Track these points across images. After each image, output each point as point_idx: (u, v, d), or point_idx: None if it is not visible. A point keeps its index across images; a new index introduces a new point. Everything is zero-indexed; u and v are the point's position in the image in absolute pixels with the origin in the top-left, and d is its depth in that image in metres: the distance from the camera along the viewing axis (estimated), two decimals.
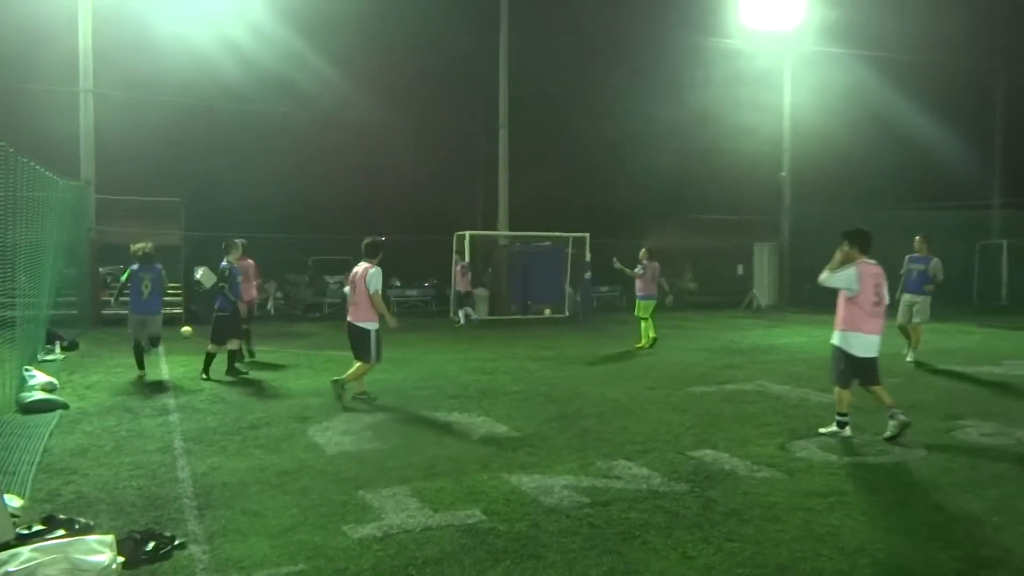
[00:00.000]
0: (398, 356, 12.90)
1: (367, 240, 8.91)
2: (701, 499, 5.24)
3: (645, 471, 5.89)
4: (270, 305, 22.76)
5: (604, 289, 26.29)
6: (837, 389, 7.11)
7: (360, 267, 8.75)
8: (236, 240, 11.19)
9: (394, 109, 27.38)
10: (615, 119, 30.01)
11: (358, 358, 8.75)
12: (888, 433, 6.82)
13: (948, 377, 10.36)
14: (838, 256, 7.10)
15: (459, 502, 5.17)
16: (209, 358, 10.46)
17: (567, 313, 21.69)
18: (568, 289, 22.11)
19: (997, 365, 11.45)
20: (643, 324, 13.95)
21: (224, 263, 10.71)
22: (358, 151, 28.82)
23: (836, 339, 7.10)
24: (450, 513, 4.95)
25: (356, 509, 5.05)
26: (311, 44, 24.94)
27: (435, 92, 28.80)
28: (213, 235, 14.63)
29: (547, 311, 21.74)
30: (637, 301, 14.01)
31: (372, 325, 8.62)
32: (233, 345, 10.71)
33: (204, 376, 10.25)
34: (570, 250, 21.99)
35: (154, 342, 10.90)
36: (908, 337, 11.85)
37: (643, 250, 14.14)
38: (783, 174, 25.93)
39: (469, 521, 4.81)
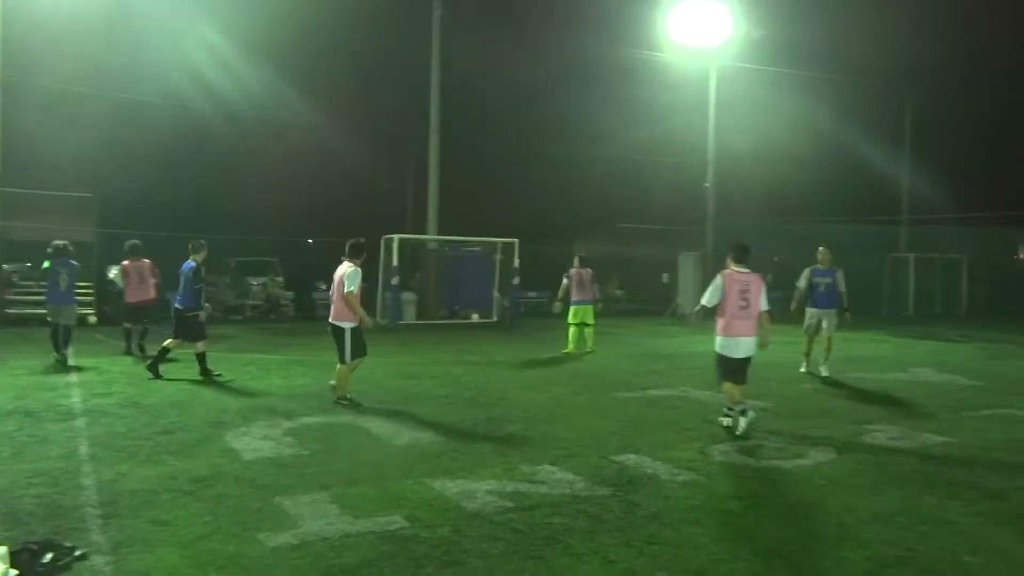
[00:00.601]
0: (322, 360, 12.63)
1: (351, 241, 8.95)
2: (623, 503, 5.28)
3: (569, 476, 5.90)
4: None
5: (532, 295, 26.43)
6: (726, 386, 7.67)
7: (340, 267, 8.75)
8: (201, 240, 11.03)
9: (324, 110, 26.96)
10: (546, 128, 30.29)
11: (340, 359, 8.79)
12: (740, 428, 7.38)
13: (858, 384, 10.78)
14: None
15: (380, 508, 5.07)
16: (201, 359, 10.48)
17: (495, 318, 21.69)
18: (496, 294, 22.13)
19: (903, 372, 11.99)
20: (572, 329, 14.06)
21: (191, 263, 10.57)
22: (285, 151, 28.26)
23: (716, 344, 7.79)
24: (371, 520, 4.85)
25: (273, 516, 4.89)
26: (238, 42, 24.30)
27: (367, 95, 28.49)
28: (128, 233, 14.06)
29: (475, 316, 21.70)
30: (571, 307, 14.14)
31: (348, 324, 8.61)
32: (173, 345, 10.62)
33: (208, 375, 10.36)
34: (499, 256, 22.02)
35: (66, 335, 11.58)
36: (809, 354, 11.67)
37: (576, 257, 14.30)
38: (707, 185, 26.59)
39: (390, 528, 4.72)
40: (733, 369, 7.65)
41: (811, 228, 26.86)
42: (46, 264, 11.93)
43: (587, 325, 14.07)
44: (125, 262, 12.80)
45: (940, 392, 10.16)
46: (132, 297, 12.73)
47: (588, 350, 13.94)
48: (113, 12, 20.72)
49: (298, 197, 28.92)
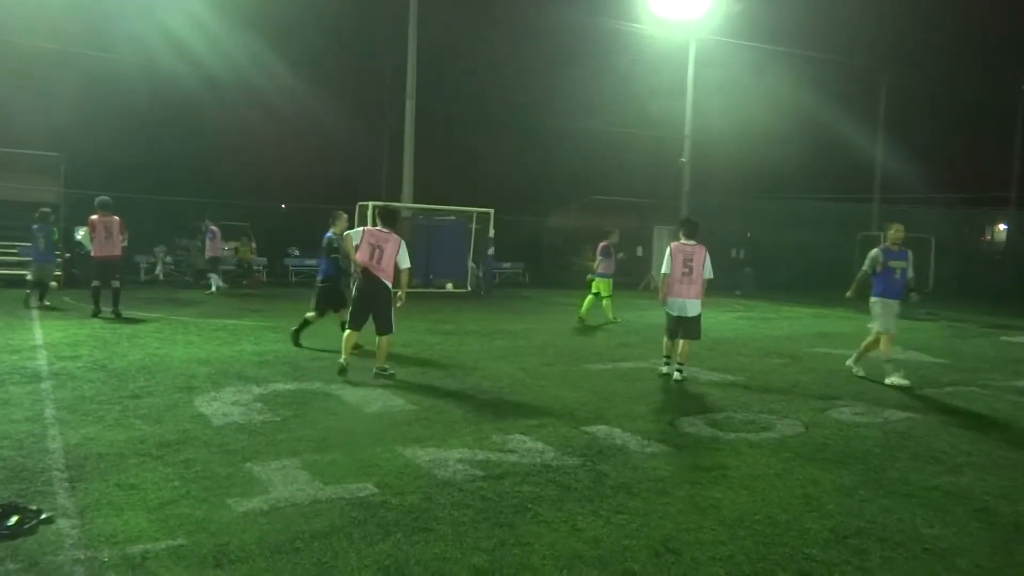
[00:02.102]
0: (294, 326, 12.55)
1: (384, 208, 8.80)
2: (593, 473, 5.33)
3: (539, 445, 5.95)
4: (159, 270, 21.71)
5: (507, 265, 26.45)
6: (664, 340, 9.24)
7: (381, 233, 8.37)
8: (340, 211, 10.85)
9: (299, 75, 26.51)
10: (522, 99, 30.08)
11: (379, 324, 8.37)
12: (677, 376, 8.85)
13: (826, 360, 10.95)
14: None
15: (351, 475, 5.07)
16: (304, 324, 10.29)
17: (469, 288, 21.68)
18: (471, 264, 22.09)
19: None
20: (604, 301, 14.62)
21: (330, 234, 10.28)
22: (259, 116, 27.79)
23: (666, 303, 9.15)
24: (341, 486, 4.85)
25: (242, 482, 4.87)
26: (213, 4, 23.71)
27: (342, 60, 28.04)
28: (96, 193, 13.81)
29: (449, 285, 21.68)
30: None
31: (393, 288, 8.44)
32: (344, 316, 10.20)
33: (296, 344, 10.20)
34: (474, 225, 21.95)
35: (43, 289, 13.61)
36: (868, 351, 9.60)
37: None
38: (683, 160, 26.63)
39: (360, 494, 4.73)
40: (673, 325, 9.06)
41: (784, 205, 27.13)
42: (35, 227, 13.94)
43: (590, 294, 14.64)
44: (93, 216, 12.69)
45: (905, 369, 10.33)
46: (99, 251, 12.68)
47: (579, 316, 14.46)
48: None
49: (272, 162, 28.53)
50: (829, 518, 4.63)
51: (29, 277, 14.05)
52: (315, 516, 4.35)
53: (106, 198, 12.91)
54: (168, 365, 8.71)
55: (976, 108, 30.26)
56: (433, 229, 22.74)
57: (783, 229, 26.30)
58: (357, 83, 29.21)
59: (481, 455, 5.62)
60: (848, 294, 9.73)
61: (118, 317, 12.46)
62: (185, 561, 3.74)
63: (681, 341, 8.98)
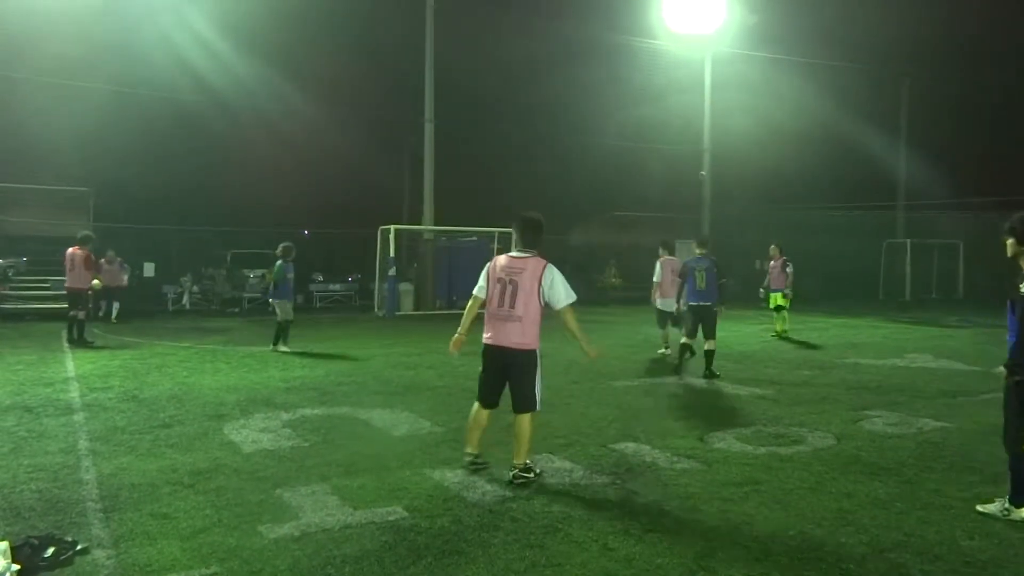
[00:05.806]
0: (320, 351, 12.64)
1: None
2: (622, 491, 5.29)
3: (568, 464, 5.92)
4: (186, 300, 21.99)
5: None
6: (664, 331, 12.49)
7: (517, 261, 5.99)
8: (705, 235, 11.73)
9: (319, 101, 26.87)
10: (541, 117, 30.22)
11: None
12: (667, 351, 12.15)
13: (856, 370, 10.80)
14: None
15: (380, 499, 5.08)
16: (709, 356, 10.09)
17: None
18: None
19: (901, 358, 12.02)
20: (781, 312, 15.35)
21: (708, 259, 10.28)
22: (281, 143, 28.18)
23: (658, 303, 12.48)
24: (371, 510, 4.85)
25: (273, 508, 4.90)
26: (232, 34, 24.19)
27: (361, 85, 28.39)
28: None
29: None
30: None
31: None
32: (710, 345, 10.18)
33: (711, 375, 9.94)
34: (496, 245, 22.01)
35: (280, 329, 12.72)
36: None
37: (776, 248, 15.69)
38: (703, 173, 26.56)
39: (390, 518, 4.73)
40: (665, 319, 12.36)
41: (808, 214, 26.91)
42: (278, 264, 12.68)
43: (780, 308, 15.32)
44: (68, 250, 13.53)
45: (937, 377, 10.20)
46: (68, 283, 13.49)
47: (780, 331, 15.11)
48: (110, 4, 20.63)
49: (294, 189, 28.87)
50: (865, 532, 4.55)
51: (283, 318, 12.71)
52: (346, 541, 4.36)
53: (87, 233, 13.87)
54: (197, 394, 8.80)
55: (1002, 109, 29.86)
56: (455, 250, 22.83)
57: (807, 238, 26.09)
58: (376, 107, 29.55)
59: (509, 476, 5.60)
60: None
61: (79, 345, 12.88)
62: None
63: (672, 329, 12.04)
